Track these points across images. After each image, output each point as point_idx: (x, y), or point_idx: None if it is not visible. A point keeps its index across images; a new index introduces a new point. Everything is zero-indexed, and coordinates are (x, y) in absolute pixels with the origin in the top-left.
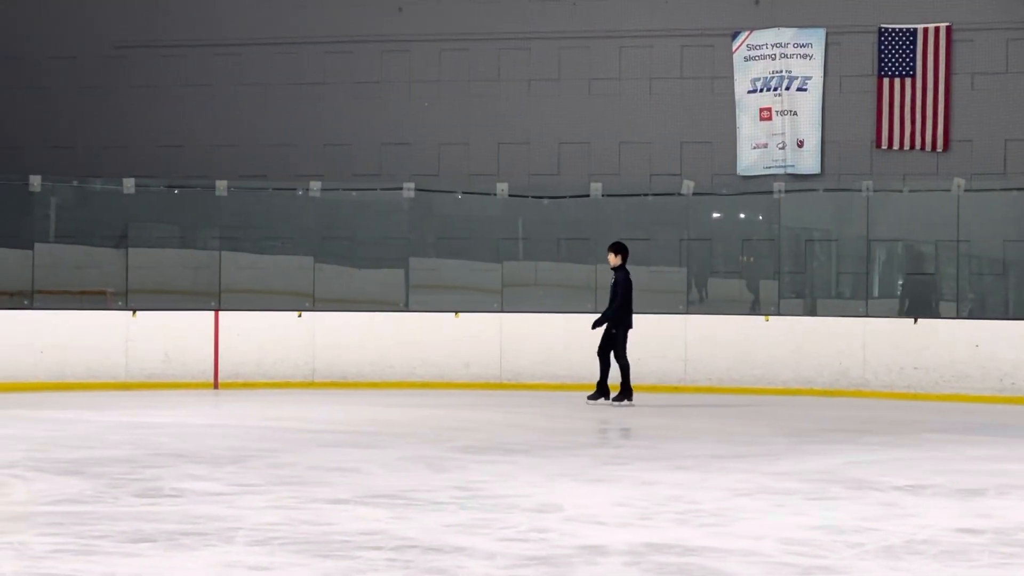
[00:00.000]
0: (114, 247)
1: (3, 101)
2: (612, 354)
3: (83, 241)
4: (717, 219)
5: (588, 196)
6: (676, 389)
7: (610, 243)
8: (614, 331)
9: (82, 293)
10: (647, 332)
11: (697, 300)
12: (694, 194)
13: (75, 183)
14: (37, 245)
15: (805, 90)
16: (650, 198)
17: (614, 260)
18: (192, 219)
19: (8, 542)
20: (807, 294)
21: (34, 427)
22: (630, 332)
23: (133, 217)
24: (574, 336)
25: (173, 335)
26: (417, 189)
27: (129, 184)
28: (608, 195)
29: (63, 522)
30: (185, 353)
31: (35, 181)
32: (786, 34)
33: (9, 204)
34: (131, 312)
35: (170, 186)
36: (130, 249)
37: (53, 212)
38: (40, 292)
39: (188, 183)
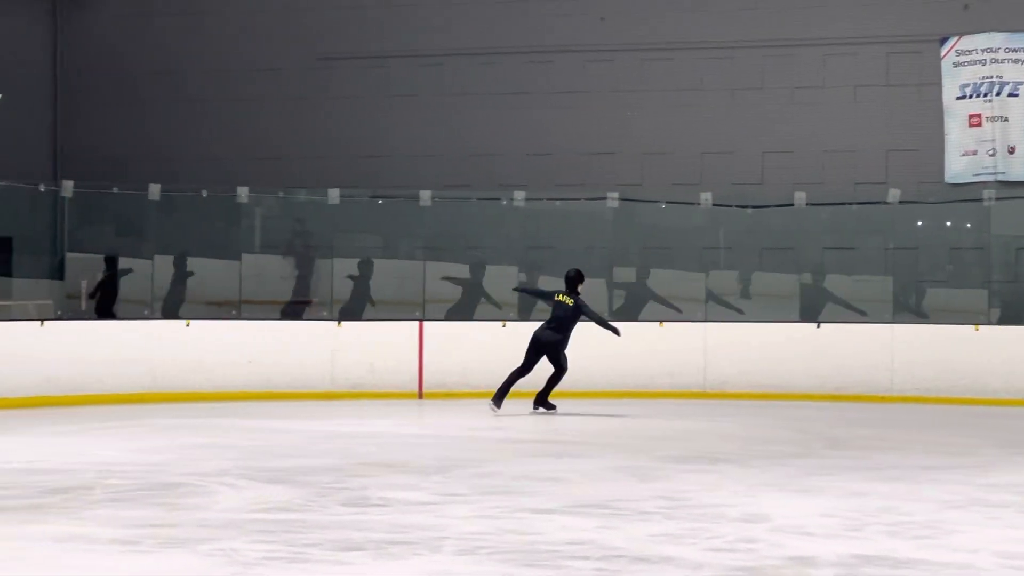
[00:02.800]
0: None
1: (210, 113)
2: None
3: (285, 252)
4: (923, 227)
5: (792, 205)
6: (883, 399)
7: (575, 272)
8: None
9: (288, 303)
10: (852, 342)
11: (903, 309)
12: (900, 202)
13: (280, 194)
14: (244, 255)
15: (1016, 95)
16: (854, 207)
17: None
18: (396, 229)
19: (220, 548)
20: (1018, 303)
21: (243, 436)
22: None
23: (337, 227)
24: (778, 346)
25: (378, 345)
26: (621, 199)
27: (334, 195)
28: (812, 204)
29: (273, 530)
30: (390, 363)
31: (242, 192)
32: (997, 38)
33: (217, 215)
34: (336, 322)
35: (374, 196)
36: (335, 260)
37: (259, 223)
38: (247, 302)
39: (392, 193)
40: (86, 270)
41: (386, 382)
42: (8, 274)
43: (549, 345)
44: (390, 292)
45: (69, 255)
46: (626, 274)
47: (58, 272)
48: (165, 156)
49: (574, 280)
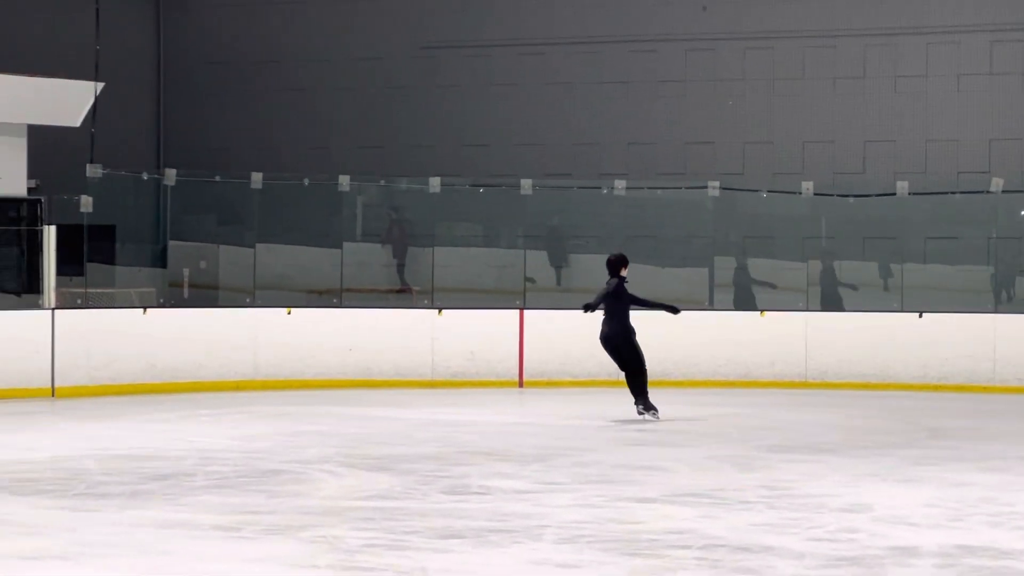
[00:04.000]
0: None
1: (313, 102)
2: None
3: (384, 240)
4: None
5: (894, 195)
6: (985, 389)
7: (615, 256)
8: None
9: (389, 291)
10: (954, 332)
11: (1005, 299)
12: (1003, 192)
13: (382, 182)
14: (345, 244)
15: None
16: (957, 196)
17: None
18: (496, 218)
19: (322, 536)
20: None
21: (344, 424)
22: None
23: (438, 216)
24: (879, 335)
25: (478, 334)
26: (722, 188)
27: (435, 183)
28: (914, 193)
29: (374, 517)
30: (490, 351)
31: (344, 181)
32: None
33: (319, 204)
34: (437, 311)
35: (475, 185)
36: (436, 248)
37: (360, 211)
38: (348, 291)
39: (493, 182)
40: (188, 258)
41: (486, 370)
42: (112, 262)
43: (612, 339)
44: (490, 281)
45: (172, 243)
46: (727, 263)
47: (160, 260)
48: (267, 145)
49: (615, 264)
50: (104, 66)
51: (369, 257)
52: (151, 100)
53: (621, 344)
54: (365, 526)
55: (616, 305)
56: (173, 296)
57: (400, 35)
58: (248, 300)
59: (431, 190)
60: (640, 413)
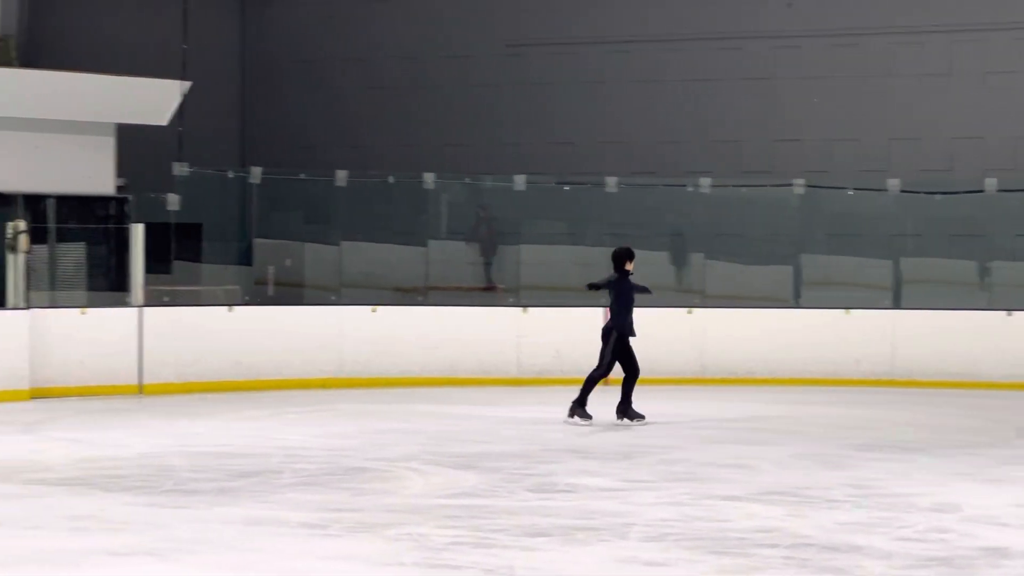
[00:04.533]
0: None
1: (397, 100)
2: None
3: (470, 238)
4: None
5: (982, 191)
6: None
7: (622, 249)
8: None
9: (474, 289)
10: None
11: None
12: None
13: (467, 180)
14: (431, 242)
15: None
16: None
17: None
18: (581, 215)
19: (408, 533)
20: None
21: (429, 422)
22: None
23: (524, 214)
24: (967, 333)
25: (563, 332)
26: (807, 185)
27: (520, 181)
28: (1003, 190)
29: (460, 515)
30: (575, 349)
31: (429, 178)
32: None
33: (405, 201)
34: (522, 309)
35: (560, 183)
36: (522, 246)
37: (445, 209)
38: (433, 288)
39: (578, 180)
40: (274, 256)
41: (571, 368)
42: (198, 260)
43: (604, 332)
44: (575, 278)
45: (257, 241)
46: (812, 261)
47: (246, 258)
48: (352, 142)
49: (621, 257)
50: (191, 65)
51: (454, 255)
52: (237, 98)
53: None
54: (451, 524)
55: (617, 301)
56: (258, 294)
57: (486, 32)
58: (333, 298)
59: (516, 188)
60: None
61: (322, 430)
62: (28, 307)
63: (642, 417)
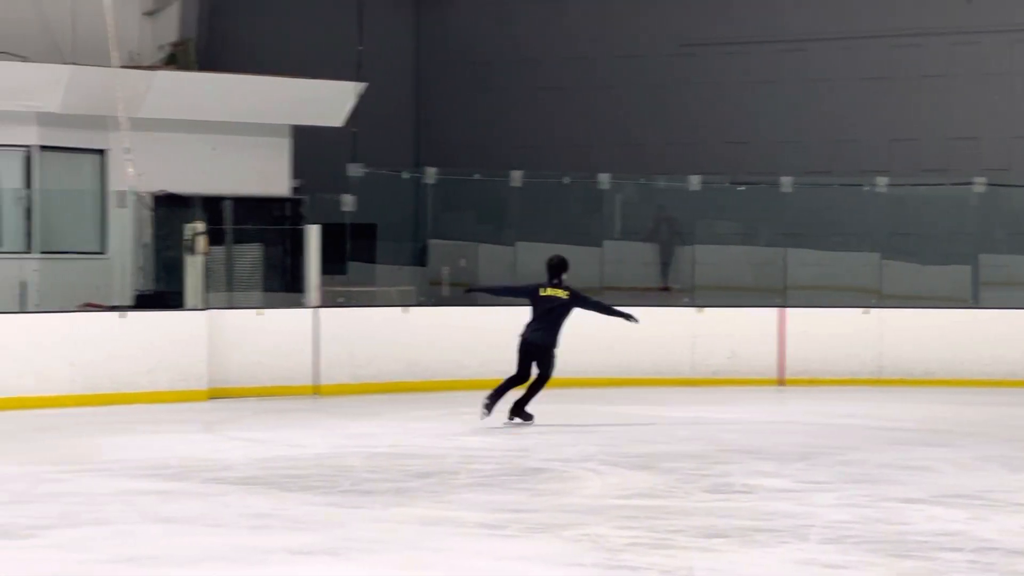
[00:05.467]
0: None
1: (570, 100)
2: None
3: (648, 238)
4: None
5: None
6: None
7: (558, 259)
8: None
9: (649, 289)
10: None
11: None
12: None
13: (641, 180)
14: (605, 242)
15: None
16: None
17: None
18: (756, 215)
19: (586, 534)
20: None
21: (605, 422)
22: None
23: (698, 214)
24: None
25: (738, 332)
26: (988, 184)
27: (694, 181)
28: None
29: (637, 516)
30: (750, 350)
31: (603, 179)
32: None
33: (579, 202)
34: (697, 309)
35: (734, 182)
36: (696, 246)
37: (619, 209)
38: (608, 288)
39: (752, 179)
40: (448, 256)
41: (746, 368)
42: (373, 260)
43: (541, 349)
44: (750, 278)
45: (431, 241)
46: (991, 260)
47: (420, 259)
48: (526, 143)
49: (558, 268)
50: (366, 67)
51: (629, 255)
52: (411, 99)
53: (542, 356)
54: (629, 524)
55: (564, 318)
56: (433, 294)
57: (659, 32)
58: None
59: (691, 188)
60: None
61: (498, 430)
62: (206, 308)
63: (531, 417)
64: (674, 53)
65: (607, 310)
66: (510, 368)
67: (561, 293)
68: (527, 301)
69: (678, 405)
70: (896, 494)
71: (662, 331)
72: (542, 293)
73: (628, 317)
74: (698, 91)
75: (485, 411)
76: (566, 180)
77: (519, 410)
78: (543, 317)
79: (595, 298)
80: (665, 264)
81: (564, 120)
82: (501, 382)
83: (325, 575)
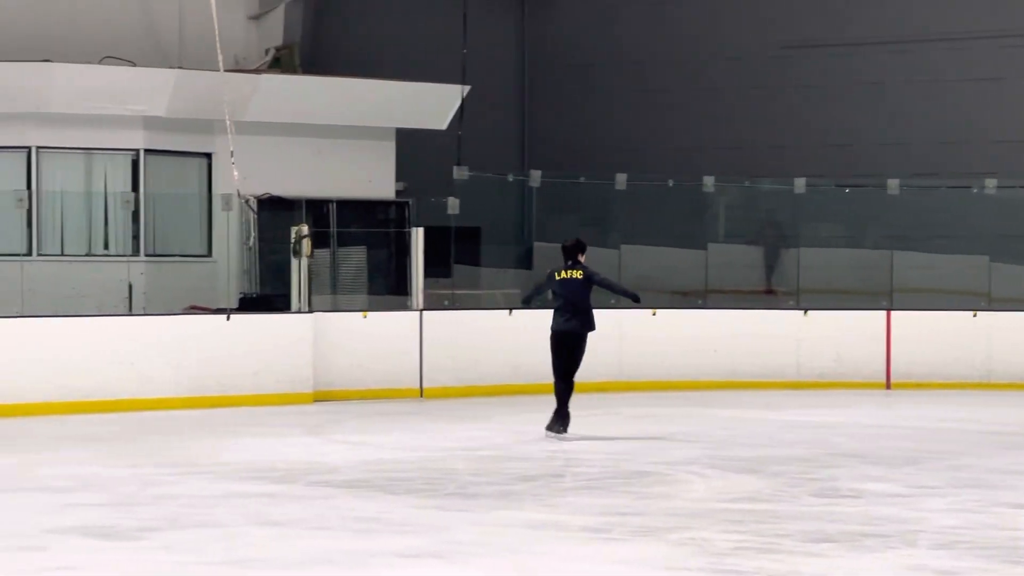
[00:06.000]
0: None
1: (674, 103)
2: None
3: (753, 241)
4: None
5: None
6: None
7: (573, 241)
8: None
9: (754, 292)
10: None
11: None
12: None
13: (746, 183)
14: (710, 245)
15: None
16: None
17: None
18: (862, 218)
19: (691, 538)
20: None
21: (709, 425)
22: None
23: (803, 216)
24: None
25: (844, 335)
26: None
27: (799, 184)
28: None
29: (743, 520)
30: (856, 353)
31: (708, 182)
32: None
33: (684, 205)
34: (802, 312)
35: (840, 185)
36: (801, 249)
37: (723, 212)
38: (713, 292)
39: (859, 182)
40: (553, 259)
41: (852, 372)
42: (477, 263)
43: (571, 337)
44: (856, 281)
45: (536, 244)
46: None
47: (525, 261)
48: (631, 146)
49: (573, 249)
50: (470, 69)
51: (733, 258)
52: (515, 102)
53: (575, 345)
54: (735, 528)
55: (586, 298)
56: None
57: (763, 34)
58: (612, 301)
59: (796, 191)
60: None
61: (601, 433)
62: (311, 311)
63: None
64: (778, 55)
65: (613, 287)
66: (615, 371)
67: (576, 274)
68: (552, 290)
69: (783, 408)
70: (1008, 499)
71: (767, 334)
72: (558, 277)
73: (634, 297)
74: (803, 93)
75: (559, 433)
76: (670, 183)
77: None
78: (565, 305)
79: (607, 278)
80: (770, 267)
81: (668, 123)
82: (557, 396)
83: None
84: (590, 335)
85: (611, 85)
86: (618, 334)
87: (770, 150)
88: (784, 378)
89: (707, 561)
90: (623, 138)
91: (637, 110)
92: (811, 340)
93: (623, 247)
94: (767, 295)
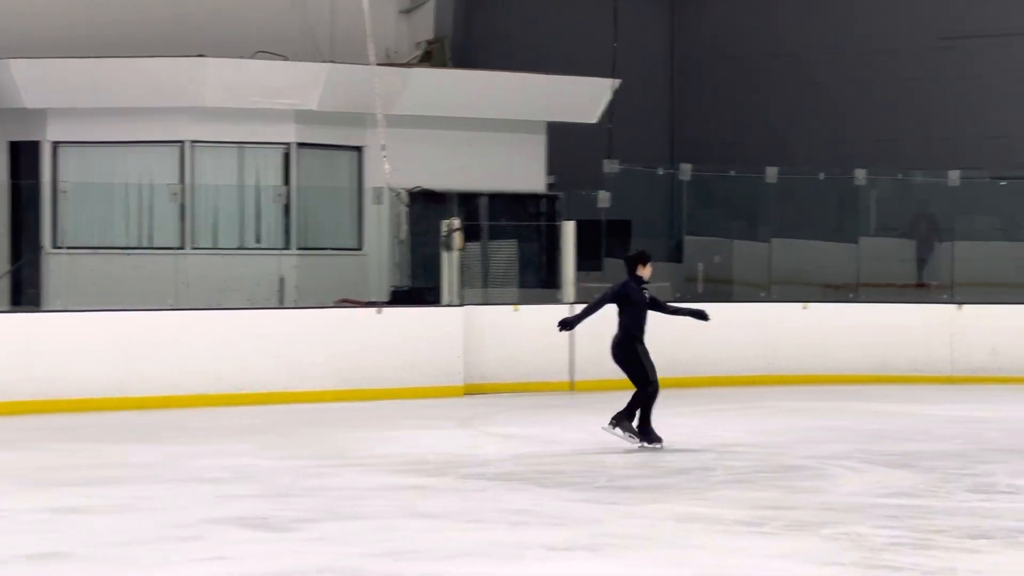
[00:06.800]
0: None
1: (827, 95)
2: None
3: (906, 234)
4: None
5: None
6: None
7: (636, 252)
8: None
9: (906, 286)
10: None
11: None
12: None
13: (898, 176)
14: (861, 238)
15: None
16: None
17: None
18: (1018, 211)
19: (844, 532)
20: None
21: (862, 419)
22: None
23: (957, 209)
24: None
25: (1000, 329)
26: None
27: (954, 176)
28: None
29: (898, 515)
30: (1014, 347)
31: (859, 174)
32: None
33: (834, 197)
34: (956, 306)
35: (995, 177)
36: (956, 242)
37: (874, 205)
38: (864, 285)
39: (1014, 174)
40: (703, 253)
41: (1009, 366)
42: None
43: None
44: (1012, 274)
45: (687, 238)
46: None
47: (676, 255)
48: (781, 139)
49: (634, 260)
50: (621, 63)
51: (885, 251)
52: (665, 96)
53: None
54: (889, 524)
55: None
56: (688, 291)
57: (917, 26)
58: (763, 295)
59: (950, 183)
60: (614, 429)
61: (753, 427)
62: (462, 304)
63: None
64: (932, 46)
65: (684, 312)
66: (765, 364)
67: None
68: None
69: (937, 403)
70: None
71: (920, 328)
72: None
73: (702, 315)
74: (957, 85)
75: (647, 443)
76: (821, 176)
77: (621, 420)
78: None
79: (668, 303)
80: (922, 260)
81: (820, 116)
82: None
83: (583, 572)
84: None
85: (763, 78)
86: (769, 328)
87: (923, 142)
88: (938, 372)
89: (861, 556)
90: (773, 131)
91: (789, 103)
92: (965, 334)
93: (774, 241)
94: (919, 289)
